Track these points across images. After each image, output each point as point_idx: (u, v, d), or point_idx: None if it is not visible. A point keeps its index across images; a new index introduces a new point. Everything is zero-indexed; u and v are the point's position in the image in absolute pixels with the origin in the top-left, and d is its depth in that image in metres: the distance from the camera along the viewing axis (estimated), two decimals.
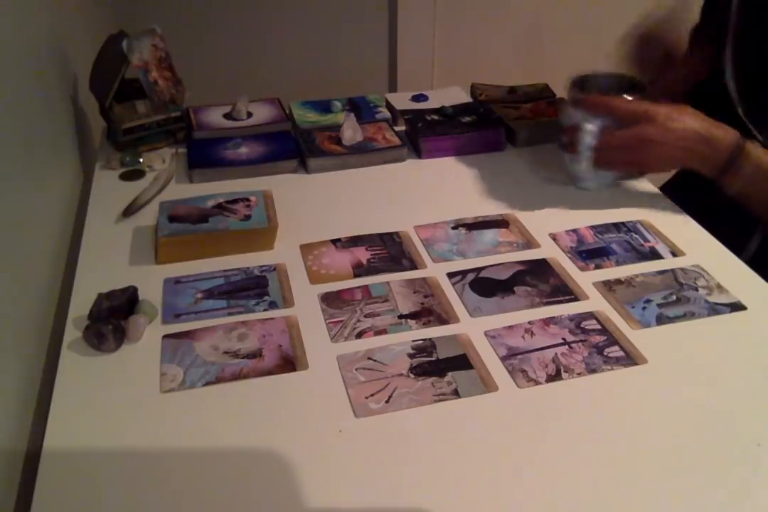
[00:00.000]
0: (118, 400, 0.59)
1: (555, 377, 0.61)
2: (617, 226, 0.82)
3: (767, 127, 0.81)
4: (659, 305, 0.70)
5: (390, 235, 0.81)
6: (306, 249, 0.79)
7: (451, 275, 0.75)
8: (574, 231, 0.82)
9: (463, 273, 0.75)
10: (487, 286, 0.73)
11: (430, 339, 0.66)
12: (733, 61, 0.87)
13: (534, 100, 1.07)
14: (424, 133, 0.98)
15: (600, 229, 0.82)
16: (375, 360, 0.63)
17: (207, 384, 0.61)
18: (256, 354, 0.64)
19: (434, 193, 0.90)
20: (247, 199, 0.81)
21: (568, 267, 0.76)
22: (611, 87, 0.86)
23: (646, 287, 0.72)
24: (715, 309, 0.69)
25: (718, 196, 0.80)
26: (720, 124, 0.79)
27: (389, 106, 1.09)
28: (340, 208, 0.87)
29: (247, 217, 0.78)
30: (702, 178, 0.80)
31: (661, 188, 0.93)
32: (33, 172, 0.77)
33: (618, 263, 0.76)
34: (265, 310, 0.69)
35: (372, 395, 0.60)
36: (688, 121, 0.78)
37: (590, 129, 0.82)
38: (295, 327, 0.67)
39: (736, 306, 0.69)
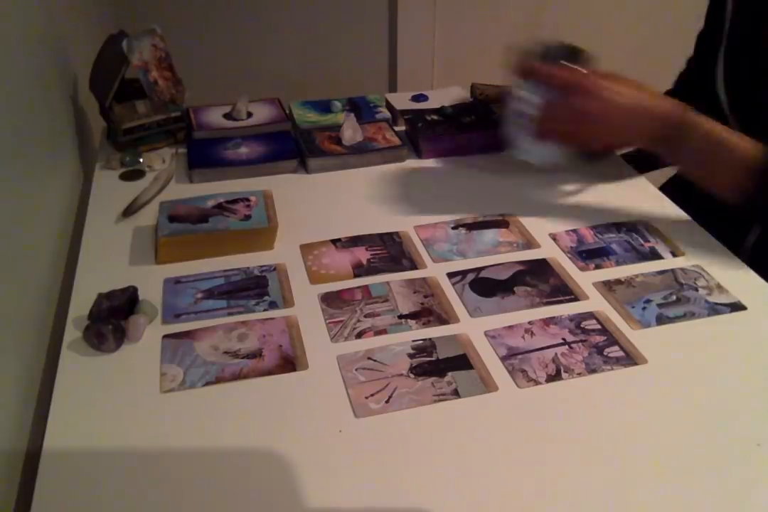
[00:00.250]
0: (118, 400, 0.59)
1: (555, 377, 0.61)
2: (617, 226, 0.82)
3: (757, 136, 0.80)
4: (659, 305, 0.70)
5: (390, 235, 0.81)
6: (306, 249, 0.79)
7: (451, 275, 0.75)
8: (574, 231, 0.82)
9: (463, 273, 0.75)
10: (487, 286, 0.73)
11: (430, 339, 0.66)
12: (725, 69, 0.87)
13: None
14: (424, 133, 0.98)
15: (600, 229, 0.82)
16: (375, 360, 0.63)
17: (207, 384, 0.61)
18: (256, 354, 0.64)
19: (434, 193, 0.90)
20: (247, 199, 0.81)
21: (568, 267, 0.76)
22: (560, 57, 0.81)
23: (646, 287, 0.72)
24: (715, 309, 0.69)
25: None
26: (665, 97, 0.77)
27: (389, 106, 1.09)
28: (340, 208, 0.87)
29: (247, 217, 0.78)
30: None
31: (661, 188, 0.93)
32: (33, 172, 0.77)
33: (618, 263, 0.76)
34: (265, 310, 0.69)
35: (372, 395, 0.60)
36: (631, 94, 0.76)
37: (528, 97, 0.79)
38: (295, 327, 0.67)
39: (736, 306, 0.69)
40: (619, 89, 0.76)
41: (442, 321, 0.68)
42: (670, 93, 1.01)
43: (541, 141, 0.82)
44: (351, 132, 0.96)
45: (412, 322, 0.68)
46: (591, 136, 0.80)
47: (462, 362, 0.63)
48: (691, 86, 0.99)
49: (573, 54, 0.81)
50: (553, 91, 0.78)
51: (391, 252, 0.78)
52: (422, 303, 0.70)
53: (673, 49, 1.07)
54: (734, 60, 0.86)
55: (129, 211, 0.84)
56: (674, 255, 0.77)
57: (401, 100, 1.10)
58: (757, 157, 0.73)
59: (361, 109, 1.06)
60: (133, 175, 0.93)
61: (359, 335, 0.66)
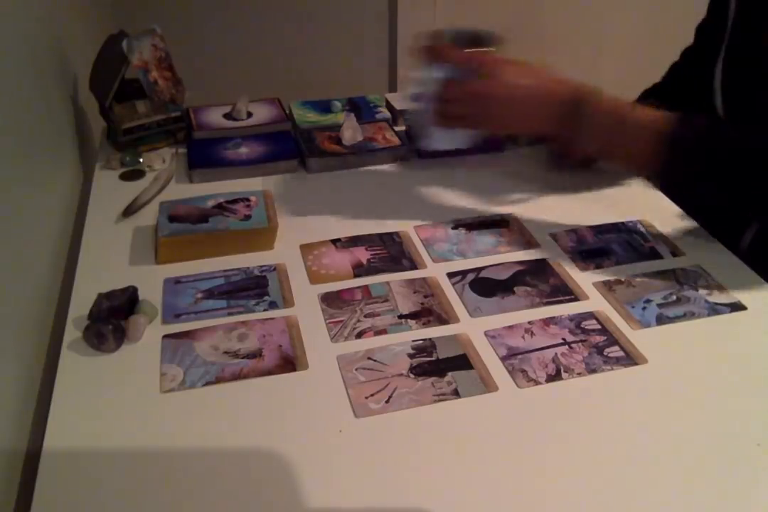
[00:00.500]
0: (118, 400, 0.59)
1: (555, 377, 0.61)
2: (617, 226, 0.82)
3: None
4: (659, 305, 0.70)
5: (390, 235, 0.81)
6: (306, 249, 0.79)
7: (451, 275, 0.75)
8: (574, 231, 0.82)
9: (463, 273, 0.75)
10: (487, 286, 0.73)
11: (430, 339, 0.66)
12: (724, 67, 0.86)
13: None
14: None
15: (600, 229, 0.82)
16: (375, 360, 0.63)
17: (207, 384, 0.61)
18: (256, 354, 0.64)
19: (434, 193, 0.90)
20: (247, 199, 0.81)
21: (568, 267, 0.76)
22: (469, 41, 0.79)
23: (646, 287, 0.72)
24: (715, 309, 0.69)
25: (715, 194, 0.79)
26: (569, 81, 0.75)
27: (389, 106, 1.09)
28: (340, 208, 0.87)
29: (247, 217, 0.78)
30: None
31: (662, 188, 0.92)
32: (33, 172, 0.77)
33: (618, 263, 0.76)
34: (265, 310, 0.69)
35: (372, 395, 0.60)
36: (533, 78, 0.75)
37: (432, 80, 0.76)
38: (295, 327, 0.67)
39: (736, 306, 0.69)
40: (522, 72, 0.75)
41: (442, 321, 0.68)
42: (658, 85, 1.01)
43: (445, 127, 0.80)
44: (351, 132, 0.96)
45: (412, 322, 0.68)
46: (493, 120, 0.78)
47: (462, 362, 0.63)
48: (685, 81, 0.98)
49: (483, 39, 0.80)
50: (457, 73, 0.76)
51: (391, 252, 0.78)
52: (422, 303, 0.70)
53: (672, 48, 1.07)
54: (734, 58, 0.86)
55: (129, 211, 0.84)
56: (674, 255, 0.77)
57: (401, 100, 1.10)
58: (665, 123, 0.72)
59: (361, 109, 1.06)
60: (133, 175, 0.93)
61: (359, 335, 0.66)
